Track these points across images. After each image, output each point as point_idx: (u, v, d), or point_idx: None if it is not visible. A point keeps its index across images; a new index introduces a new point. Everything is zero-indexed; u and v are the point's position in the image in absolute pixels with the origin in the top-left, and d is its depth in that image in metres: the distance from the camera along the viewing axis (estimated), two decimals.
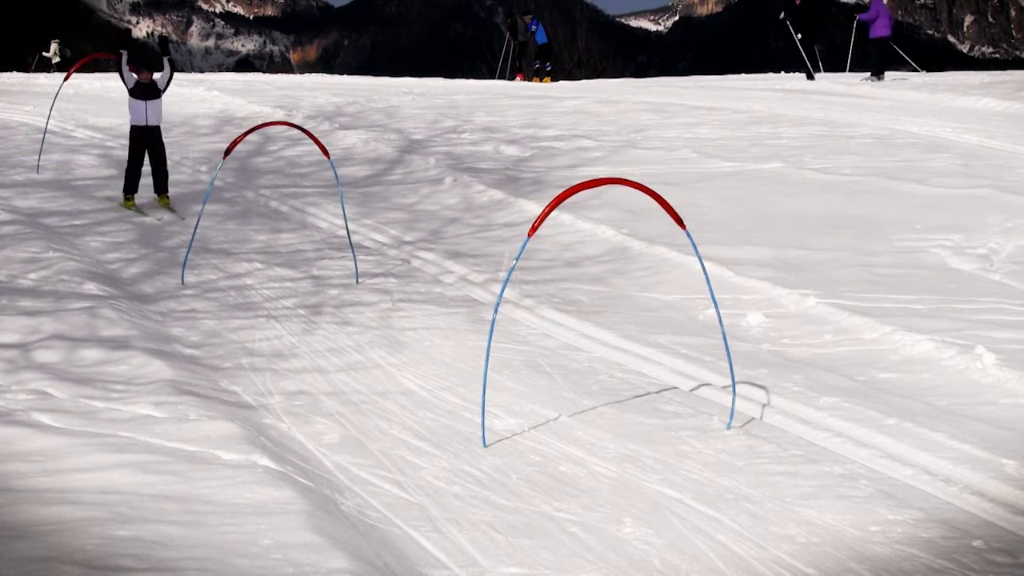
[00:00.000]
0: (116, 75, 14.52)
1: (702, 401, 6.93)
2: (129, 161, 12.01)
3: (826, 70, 21.76)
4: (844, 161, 13.05)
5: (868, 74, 19.91)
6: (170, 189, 12.31)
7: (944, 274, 9.05)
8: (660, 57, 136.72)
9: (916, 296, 8.48)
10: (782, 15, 20.56)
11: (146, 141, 11.91)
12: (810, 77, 20.54)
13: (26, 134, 15.94)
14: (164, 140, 12.23)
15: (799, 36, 20.52)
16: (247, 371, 7.26)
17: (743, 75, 23.50)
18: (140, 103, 11.76)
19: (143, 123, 11.82)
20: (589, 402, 6.84)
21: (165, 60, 12.01)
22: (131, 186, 12.05)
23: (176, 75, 13.01)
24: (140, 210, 11.82)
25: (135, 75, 11.67)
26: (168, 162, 12.31)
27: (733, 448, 6.15)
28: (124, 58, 11.66)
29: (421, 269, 10.10)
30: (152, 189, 12.15)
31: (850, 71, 21.81)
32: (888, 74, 19.90)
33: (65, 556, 4.15)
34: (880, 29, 19.30)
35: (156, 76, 11.84)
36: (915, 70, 21.36)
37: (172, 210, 11.94)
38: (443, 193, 12.87)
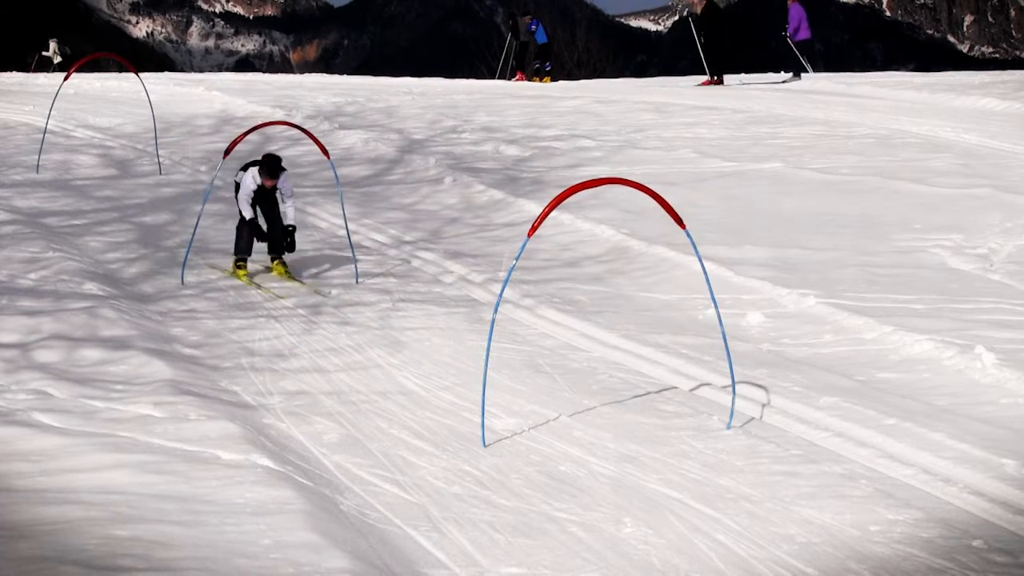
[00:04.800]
0: (114, 76, 14.12)
1: (702, 401, 6.93)
2: (241, 218, 9.57)
3: (814, 70, 22.49)
4: (844, 161, 13.05)
5: (791, 73, 21.52)
6: (170, 189, 12.08)
7: (944, 274, 9.05)
8: (660, 57, 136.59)
9: (916, 296, 8.48)
10: (686, 12, 21.97)
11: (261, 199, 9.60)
12: (715, 79, 21.29)
13: (26, 134, 15.93)
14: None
15: (701, 40, 21.54)
16: (247, 371, 7.26)
17: (742, 74, 23.50)
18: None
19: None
20: (589, 402, 6.84)
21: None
22: (244, 246, 9.50)
23: (176, 75, 12.65)
24: (257, 284, 9.19)
25: (260, 180, 9.48)
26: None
27: (733, 448, 6.16)
28: (258, 170, 9.50)
29: (421, 269, 10.10)
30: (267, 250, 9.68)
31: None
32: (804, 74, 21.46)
33: (65, 556, 4.15)
34: (803, 33, 21.69)
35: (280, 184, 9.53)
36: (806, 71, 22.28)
37: (295, 279, 9.45)
38: (443, 193, 12.86)
